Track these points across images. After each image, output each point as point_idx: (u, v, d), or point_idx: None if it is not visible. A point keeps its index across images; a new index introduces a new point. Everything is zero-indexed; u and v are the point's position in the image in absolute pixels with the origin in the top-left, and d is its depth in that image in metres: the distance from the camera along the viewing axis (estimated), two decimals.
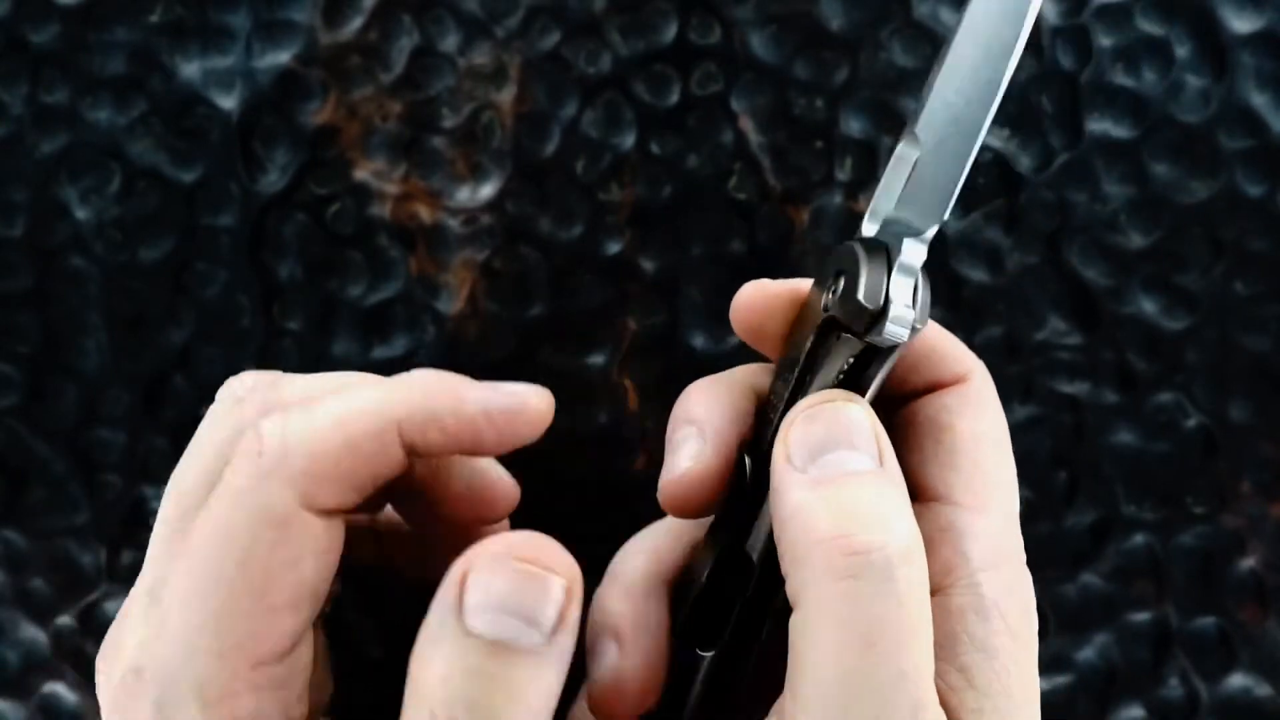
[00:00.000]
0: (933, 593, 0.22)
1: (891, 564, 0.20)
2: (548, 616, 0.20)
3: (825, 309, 0.23)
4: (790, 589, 0.21)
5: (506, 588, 0.20)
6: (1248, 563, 0.32)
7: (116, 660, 0.22)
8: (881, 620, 0.20)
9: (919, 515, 0.23)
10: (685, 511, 0.24)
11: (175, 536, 0.23)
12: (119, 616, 0.23)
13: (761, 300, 0.25)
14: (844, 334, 0.23)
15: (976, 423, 0.24)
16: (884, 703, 0.20)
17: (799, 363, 0.24)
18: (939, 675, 0.22)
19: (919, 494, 0.24)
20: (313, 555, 0.22)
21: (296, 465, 0.21)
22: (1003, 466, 0.24)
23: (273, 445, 0.21)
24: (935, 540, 0.23)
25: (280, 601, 0.21)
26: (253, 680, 0.21)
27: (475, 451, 0.24)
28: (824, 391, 0.23)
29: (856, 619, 0.20)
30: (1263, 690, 0.32)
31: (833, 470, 0.22)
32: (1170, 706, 0.32)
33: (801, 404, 0.23)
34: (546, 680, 0.20)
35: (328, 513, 0.22)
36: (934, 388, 0.25)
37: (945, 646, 0.22)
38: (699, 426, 0.24)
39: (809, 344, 0.24)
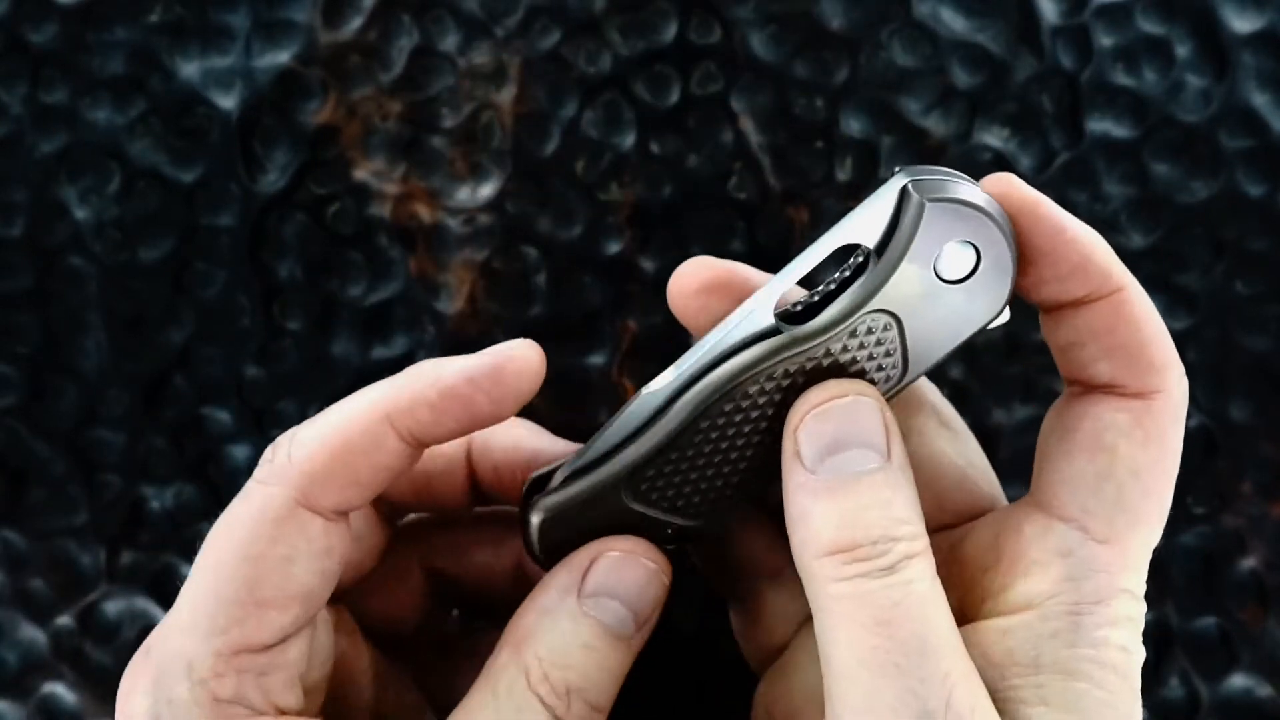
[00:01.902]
0: (1028, 608, 0.22)
1: (895, 559, 0.21)
2: (645, 612, 0.24)
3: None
4: (806, 592, 0.22)
5: (626, 582, 0.24)
6: (1248, 563, 0.32)
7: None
8: (893, 603, 0.21)
9: (1045, 529, 0.23)
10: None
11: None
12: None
13: (709, 277, 0.25)
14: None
15: (1141, 452, 0.23)
16: (913, 674, 0.20)
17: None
18: (1012, 689, 0.22)
19: (1054, 507, 0.23)
20: (307, 556, 0.23)
21: (297, 466, 0.23)
22: (1150, 504, 0.23)
23: (280, 452, 0.23)
24: (1051, 563, 0.22)
25: (268, 597, 0.22)
26: (236, 664, 0.22)
27: (477, 421, 0.24)
28: (835, 383, 0.23)
29: (868, 607, 0.21)
30: (1263, 690, 0.32)
31: (840, 473, 0.22)
32: (1171, 706, 0.32)
33: (813, 395, 0.23)
34: (627, 661, 0.24)
35: (330, 515, 0.23)
36: (1116, 389, 0.23)
37: (1023, 664, 0.22)
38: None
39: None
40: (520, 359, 0.23)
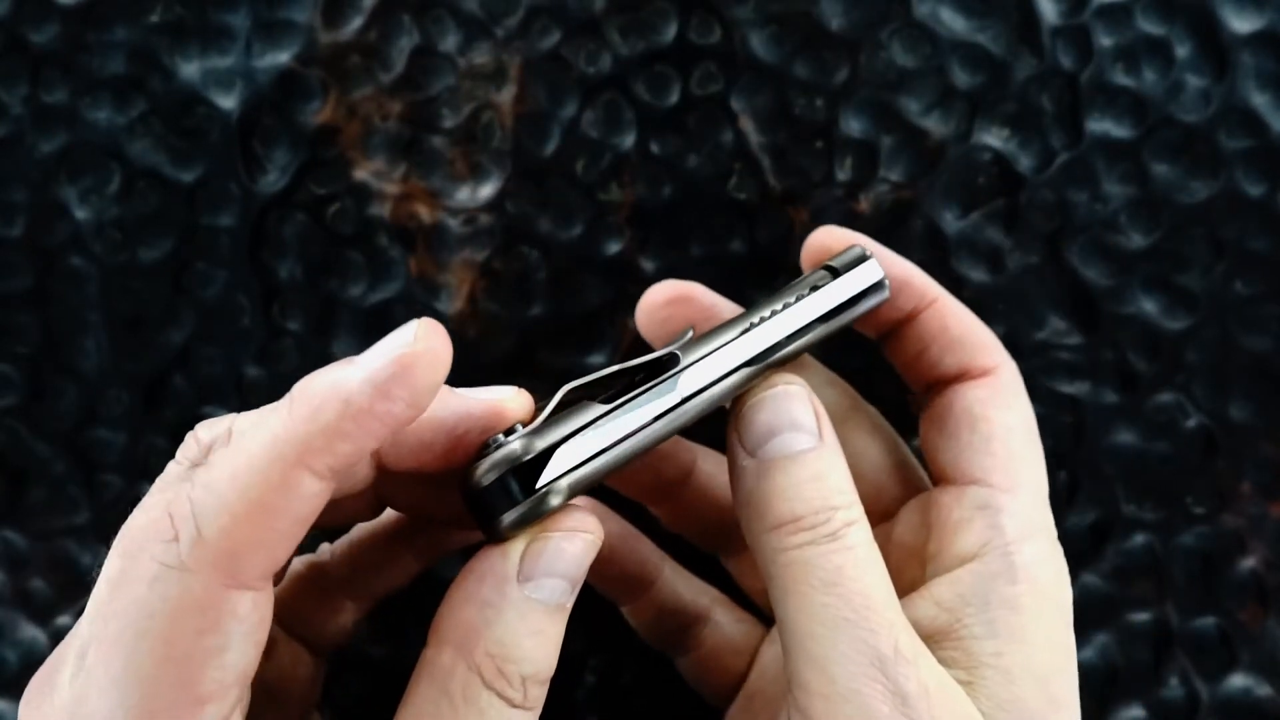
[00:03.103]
0: (968, 560, 0.25)
1: (836, 526, 0.23)
2: (582, 576, 0.23)
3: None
4: (759, 565, 0.24)
5: (565, 559, 0.22)
6: (1248, 563, 0.32)
7: (44, 711, 0.21)
8: (838, 567, 0.23)
9: (959, 494, 0.26)
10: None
11: (112, 598, 0.21)
12: (53, 660, 0.22)
13: (675, 293, 0.29)
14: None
15: (1007, 414, 0.27)
16: (862, 625, 0.23)
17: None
18: (966, 628, 0.24)
19: (958, 477, 0.27)
20: (240, 637, 0.20)
21: (214, 545, 0.20)
22: (1032, 451, 0.27)
23: (186, 529, 0.20)
24: (973, 517, 0.26)
25: (205, 692, 0.20)
26: None
27: (398, 428, 0.21)
28: (766, 380, 0.25)
29: (815, 571, 0.23)
30: (1263, 690, 0.32)
31: (777, 453, 0.24)
32: (1170, 707, 0.32)
33: (747, 395, 0.25)
34: (565, 622, 0.23)
35: (258, 585, 0.20)
36: (965, 375, 0.27)
37: (975, 605, 0.25)
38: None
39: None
40: (427, 349, 0.20)
